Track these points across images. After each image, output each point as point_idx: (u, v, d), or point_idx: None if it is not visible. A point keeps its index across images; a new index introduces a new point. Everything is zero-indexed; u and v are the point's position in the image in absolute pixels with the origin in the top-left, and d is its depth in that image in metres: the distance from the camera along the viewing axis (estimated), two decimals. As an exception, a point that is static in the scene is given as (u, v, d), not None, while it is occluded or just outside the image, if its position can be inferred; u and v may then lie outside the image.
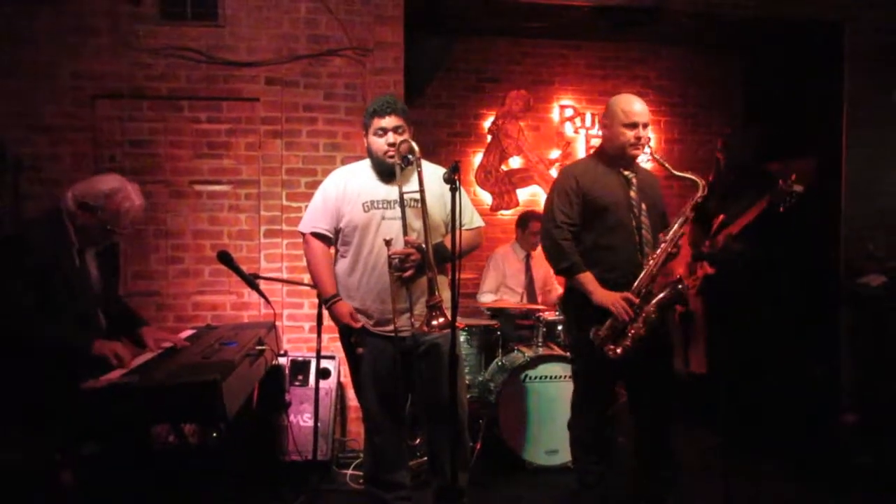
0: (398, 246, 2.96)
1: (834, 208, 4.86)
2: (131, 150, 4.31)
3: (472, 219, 3.18)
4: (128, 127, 4.30)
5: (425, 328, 2.88)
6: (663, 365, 3.22)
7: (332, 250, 3.21)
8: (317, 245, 3.11)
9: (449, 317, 2.77)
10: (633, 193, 3.13)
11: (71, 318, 2.74)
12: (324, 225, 3.10)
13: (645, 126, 3.09)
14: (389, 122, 3.00)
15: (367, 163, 3.17)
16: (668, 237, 3.05)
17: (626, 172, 3.15)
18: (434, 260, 2.88)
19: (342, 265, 3.11)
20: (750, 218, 3.94)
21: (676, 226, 3.06)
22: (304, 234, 3.16)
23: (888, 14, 4.84)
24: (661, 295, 3.06)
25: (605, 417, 3.31)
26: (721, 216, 4.12)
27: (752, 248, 3.98)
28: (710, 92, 6.00)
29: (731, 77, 6.03)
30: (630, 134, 3.07)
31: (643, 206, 3.12)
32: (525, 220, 5.19)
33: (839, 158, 4.89)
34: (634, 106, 3.09)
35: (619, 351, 3.03)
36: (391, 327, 2.99)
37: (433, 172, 3.06)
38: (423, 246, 2.90)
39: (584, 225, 3.15)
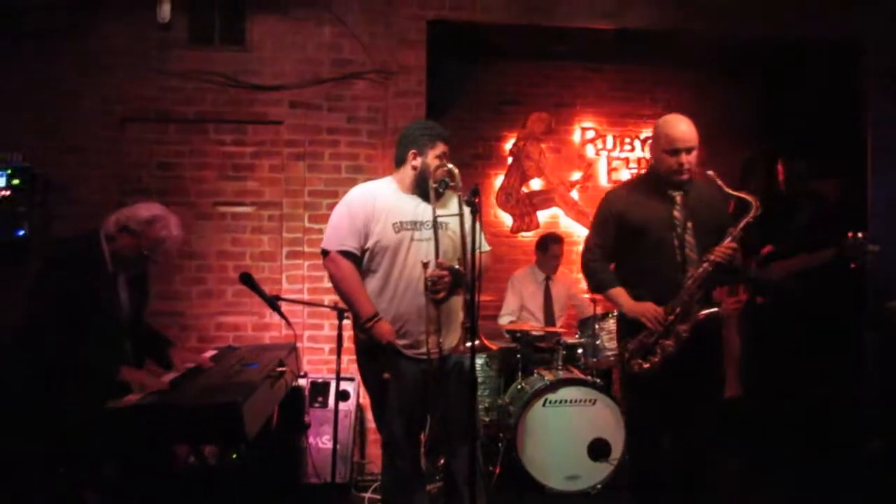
0: (431, 268, 2.95)
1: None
2: (157, 172, 4.38)
3: (483, 242, 3.18)
4: (155, 149, 4.39)
5: (462, 347, 2.85)
6: (709, 402, 3.14)
7: None
8: (345, 264, 3.01)
9: (484, 338, 2.79)
10: (676, 212, 3.04)
11: (98, 342, 2.77)
12: (352, 243, 3.01)
13: (689, 151, 2.98)
14: (446, 150, 3.07)
15: (388, 181, 3.16)
16: (710, 256, 2.95)
17: (671, 191, 3.06)
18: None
19: (370, 286, 3.05)
20: (809, 263, 3.84)
21: (723, 245, 2.95)
22: (328, 252, 3.06)
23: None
24: (697, 317, 2.97)
25: (654, 451, 3.21)
26: (769, 246, 4.00)
27: (803, 286, 3.91)
28: (732, 115, 5.95)
29: (754, 99, 5.99)
30: (672, 160, 2.99)
31: (689, 224, 3.02)
32: (545, 242, 5.17)
33: (864, 181, 4.83)
34: (677, 131, 2.99)
35: (645, 366, 2.99)
36: (423, 349, 2.97)
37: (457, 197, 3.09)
38: (456, 267, 2.92)
39: (624, 248, 3.12)
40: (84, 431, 2.56)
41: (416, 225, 3.03)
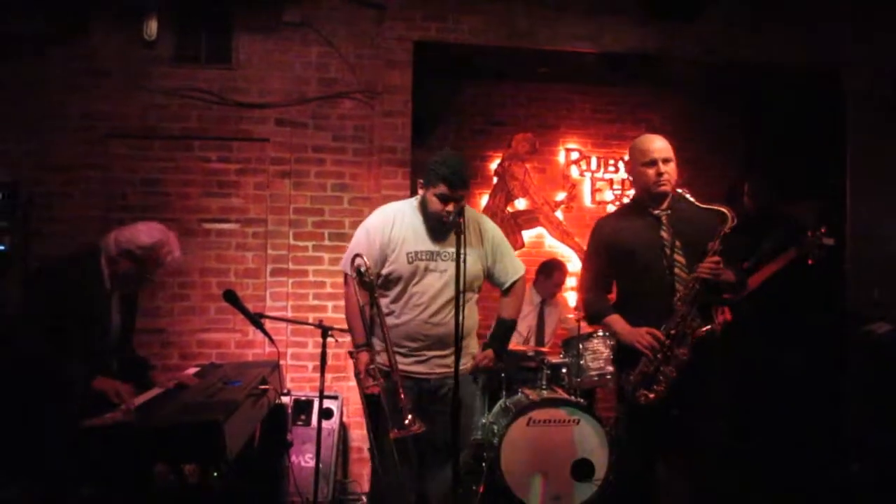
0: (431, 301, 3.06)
1: (839, 254, 4.86)
2: (142, 189, 4.37)
3: (516, 268, 3.27)
4: (139, 166, 4.37)
5: (410, 430, 2.86)
6: (709, 434, 3.02)
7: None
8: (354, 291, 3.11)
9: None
10: (663, 233, 3.00)
11: (85, 359, 2.75)
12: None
13: (666, 161, 2.99)
14: (458, 195, 3.00)
15: (411, 203, 3.18)
16: (695, 274, 2.88)
17: (656, 212, 3.04)
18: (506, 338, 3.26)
19: (383, 303, 3.09)
20: (777, 268, 3.93)
21: (706, 261, 2.88)
22: (345, 275, 3.14)
23: (888, 60, 4.87)
24: (693, 338, 2.88)
25: (646, 478, 3.10)
26: (745, 263, 4.05)
27: (767, 307, 3.98)
28: (714, 137, 6.04)
29: (736, 122, 6.07)
30: (651, 172, 2.98)
31: (677, 243, 2.98)
32: (550, 269, 5.16)
33: (843, 204, 4.91)
34: (651, 144, 3.03)
35: (651, 396, 2.88)
36: (425, 369, 3.06)
37: (475, 220, 3.17)
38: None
39: (617, 274, 3.11)
40: (61, 450, 2.53)
41: (432, 255, 3.06)
